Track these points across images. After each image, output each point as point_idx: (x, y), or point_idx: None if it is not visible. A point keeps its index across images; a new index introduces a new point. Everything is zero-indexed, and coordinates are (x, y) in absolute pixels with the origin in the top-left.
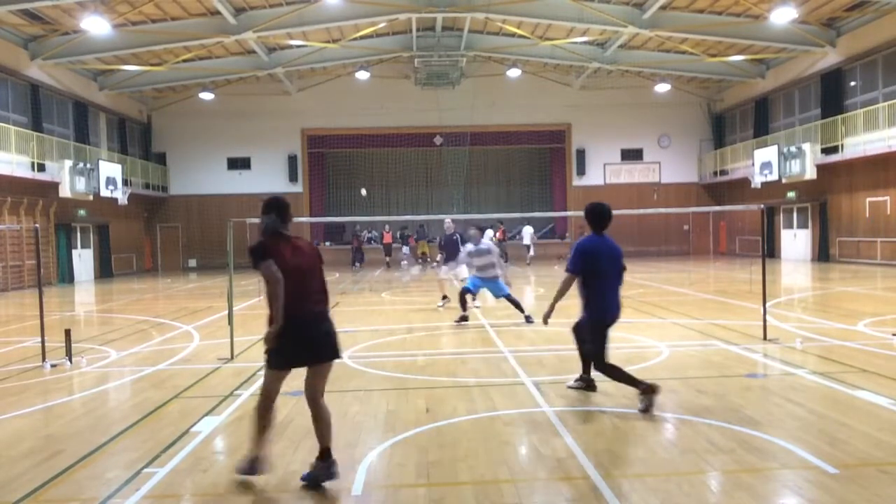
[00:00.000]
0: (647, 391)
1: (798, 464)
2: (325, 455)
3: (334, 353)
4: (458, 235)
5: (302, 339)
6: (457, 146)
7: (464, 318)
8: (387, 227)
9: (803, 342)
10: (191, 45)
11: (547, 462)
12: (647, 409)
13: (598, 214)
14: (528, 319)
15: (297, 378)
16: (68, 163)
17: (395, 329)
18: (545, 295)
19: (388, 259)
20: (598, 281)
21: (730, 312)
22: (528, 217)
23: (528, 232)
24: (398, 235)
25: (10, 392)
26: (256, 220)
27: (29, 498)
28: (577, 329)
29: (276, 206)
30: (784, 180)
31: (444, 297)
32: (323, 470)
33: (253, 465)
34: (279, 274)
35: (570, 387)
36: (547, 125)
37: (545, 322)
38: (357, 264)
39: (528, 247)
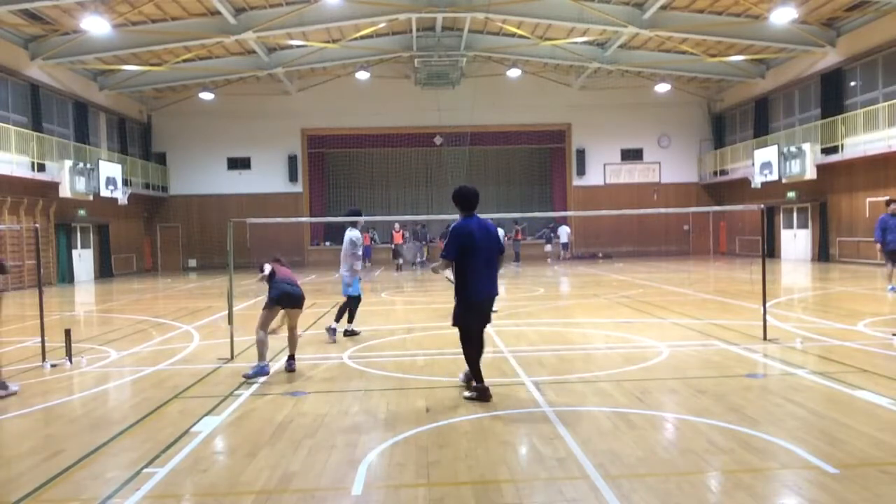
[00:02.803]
0: (479, 391)
1: (798, 464)
2: (291, 358)
3: (302, 304)
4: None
5: (288, 296)
6: (457, 146)
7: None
8: (396, 226)
9: (803, 342)
10: (191, 45)
11: (547, 462)
12: (468, 397)
13: (464, 196)
14: (331, 330)
15: (298, 379)
16: (68, 163)
17: (395, 329)
18: (543, 295)
19: (398, 261)
20: (469, 261)
21: (730, 312)
22: (528, 217)
23: (564, 231)
24: (417, 233)
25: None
26: (257, 221)
27: (29, 498)
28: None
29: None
30: (784, 180)
31: None
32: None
33: (263, 369)
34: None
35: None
36: (547, 125)
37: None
38: (400, 261)
39: (565, 244)
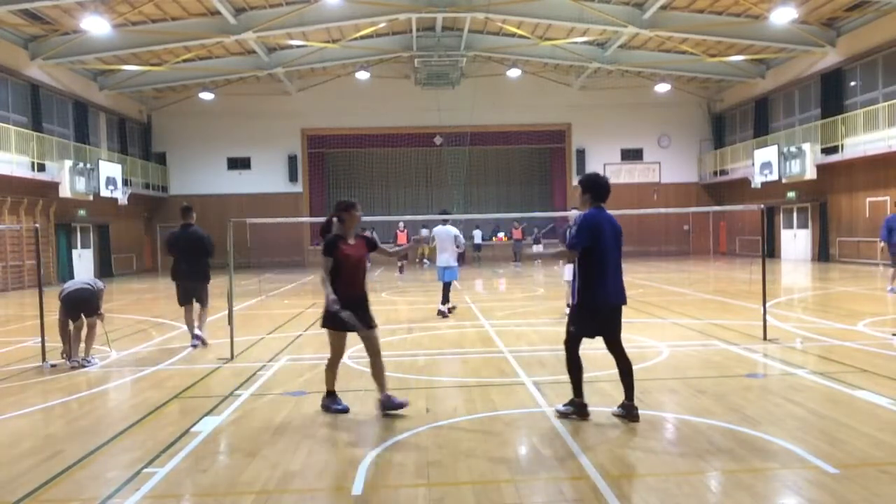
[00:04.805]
0: (578, 405)
1: (798, 464)
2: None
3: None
4: None
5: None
6: (457, 146)
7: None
8: (401, 225)
9: (803, 342)
10: (191, 45)
11: (547, 462)
12: (563, 412)
13: (596, 183)
14: (442, 312)
15: (297, 379)
16: (68, 163)
17: (396, 329)
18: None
19: (401, 264)
20: (598, 260)
21: (730, 312)
22: (529, 217)
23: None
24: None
25: (10, 392)
26: (257, 221)
27: (29, 498)
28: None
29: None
30: (784, 180)
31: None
32: (386, 402)
33: (333, 400)
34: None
35: (615, 413)
36: (547, 125)
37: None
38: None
39: None
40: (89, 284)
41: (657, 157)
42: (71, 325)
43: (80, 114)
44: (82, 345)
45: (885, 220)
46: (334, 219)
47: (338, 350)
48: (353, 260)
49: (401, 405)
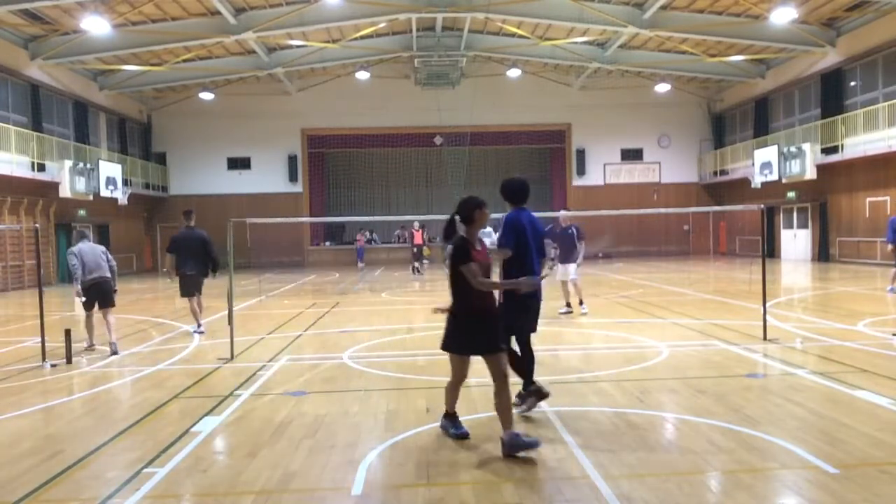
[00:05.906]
0: (535, 391)
1: (798, 464)
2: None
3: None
4: (573, 229)
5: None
6: (457, 146)
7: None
8: (416, 224)
9: (803, 342)
10: (191, 45)
11: (547, 462)
12: (520, 405)
13: (510, 189)
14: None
15: (298, 379)
16: (68, 163)
17: (396, 329)
18: None
19: (416, 264)
20: (522, 257)
21: (730, 312)
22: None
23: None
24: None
25: (10, 392)
26: (257, 221)
27: (29, 498)
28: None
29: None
30: (784, 180)
31: (569, 305)
32: (513, 441)
33: (452, 423)
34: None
35: (519, 408)
36: (547, 125)
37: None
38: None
39: None
40: (109, 275)
41: (657, 157)
42: (83, 318)
43: (80, 114)
44: (84, 343)
45: (889, 222)
46: (456, 217)
47: (460, 374)
48: (485, 267)
49: (531, 445)
